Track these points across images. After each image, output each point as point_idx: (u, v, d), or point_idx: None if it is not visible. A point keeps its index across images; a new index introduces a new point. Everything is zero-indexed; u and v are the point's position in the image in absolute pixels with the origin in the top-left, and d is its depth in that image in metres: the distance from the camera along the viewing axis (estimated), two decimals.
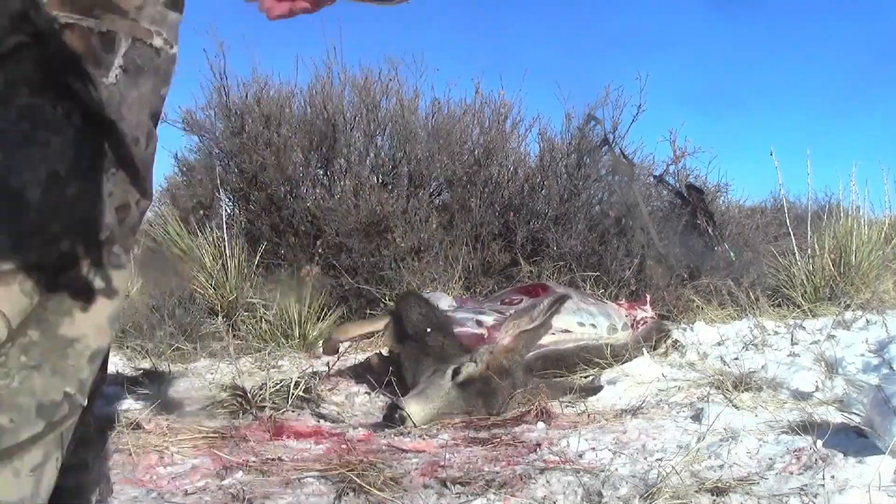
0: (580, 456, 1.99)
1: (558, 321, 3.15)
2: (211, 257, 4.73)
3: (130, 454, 2.13)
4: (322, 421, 2.64)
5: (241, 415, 2.62)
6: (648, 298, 4.15)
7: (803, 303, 4.65)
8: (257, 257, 4.91)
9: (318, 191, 5.26)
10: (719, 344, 3.68)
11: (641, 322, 3.79)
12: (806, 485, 1.64)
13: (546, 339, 3.13)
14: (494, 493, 1.71)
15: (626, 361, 3.24)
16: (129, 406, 2.83)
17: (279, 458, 2.09)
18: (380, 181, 5.35)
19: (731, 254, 5.06)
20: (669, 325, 3.95)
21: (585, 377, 3.17)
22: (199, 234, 4.90)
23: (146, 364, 3.86)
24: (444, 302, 3.57)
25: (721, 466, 1.83)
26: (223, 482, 1.88)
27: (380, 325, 3.56)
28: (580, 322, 3.38)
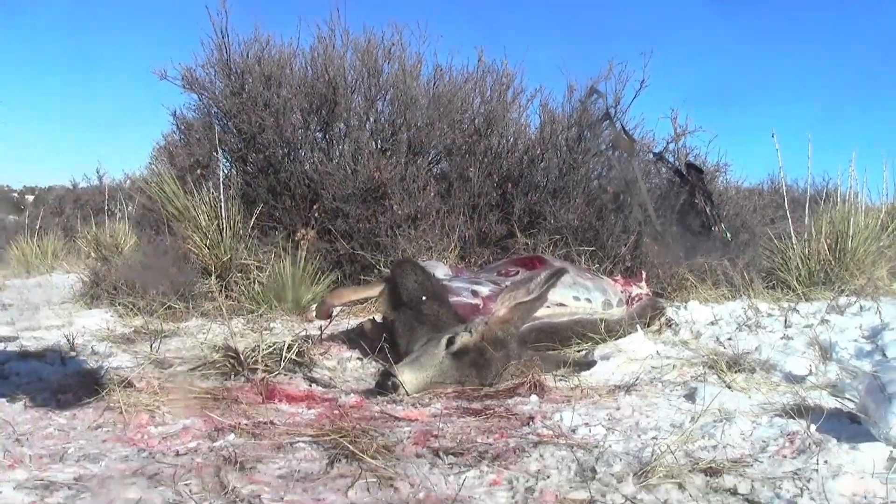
0: (573, 431, 1.99)
1: (554, 294, 3.12)
2: (206, 217, 4.70)
3: (121, 412, 2.13)
4: (314, 385, 2.63)
5: (232, 376, 2.61)
6: (644, 275, 4.13)
7: (798, 286, 4.65)
8: (253, 219, 4.88)
9: (316, 154, 5.22)
10: (713, 323, 3.68)
11: (636, 298, 3.78)
12: (799, 469, 1.64)
13: (541, 312, 3.10)
14: (487, 466, 1.71)
15: (619, 337, 3.22)
16: (120, 364, 2.82)
17: (271, 422, 2.08)
18: (379, 147, 5.32)
19: (728, 234, 5.05)
20: (664, 302, 3.89)
21: (579, 352, 3.16)
22: (196, 194, 4.87)
23: (138, 322, 3.85)
24: (440, 271, 3.57)
25: (715, 447, 1.83)
26: (214, 444, 1.87)
27: (375, 291, 3.55)
28: (576, 296, 3.37)
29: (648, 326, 3.60)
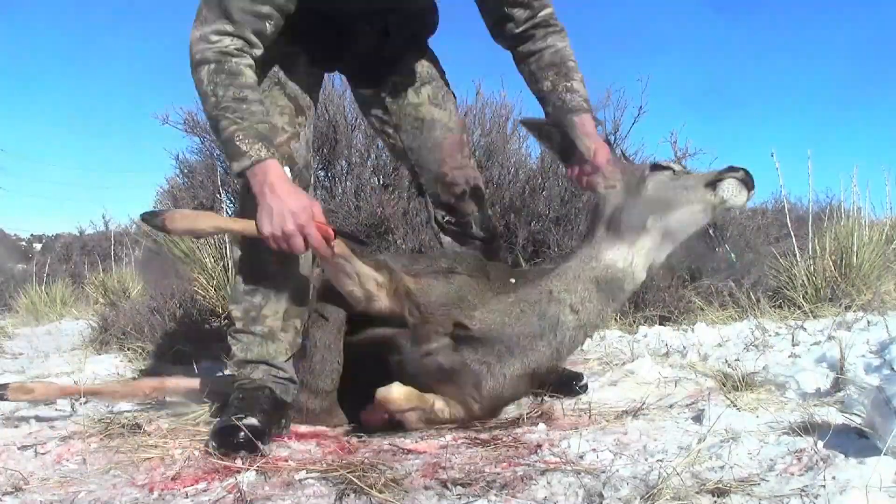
0: (581, 457, 1.99)
1: None
2: (212, 259, 4.74)
3: (131, 456, 2.14)
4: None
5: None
6: None
7: (804, 304, 4.65)
8: None
9: (318, 192, 5.27)
10: (720, 345, 3.68)
11: None
12: (807, 485, 1.64)
13: None
14: (496, 495, 1.71)
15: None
16: (130, 408, 2.84)
17: (282, 459, 2.09)
18: (381, 182, 5.36)
19: (732, 255, 5.06)
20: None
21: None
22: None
23: (146, 365, 3.87)
24: None
25: (722, 467, 1.83)
26: (224, 483, 1.88)
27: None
28: None
29: None
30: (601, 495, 1.67)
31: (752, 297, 4.67)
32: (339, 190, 5.33)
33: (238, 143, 2.14)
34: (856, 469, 1.68)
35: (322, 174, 5.50)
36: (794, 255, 5.05)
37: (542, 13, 2.63)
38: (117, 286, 6.09)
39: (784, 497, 1.58)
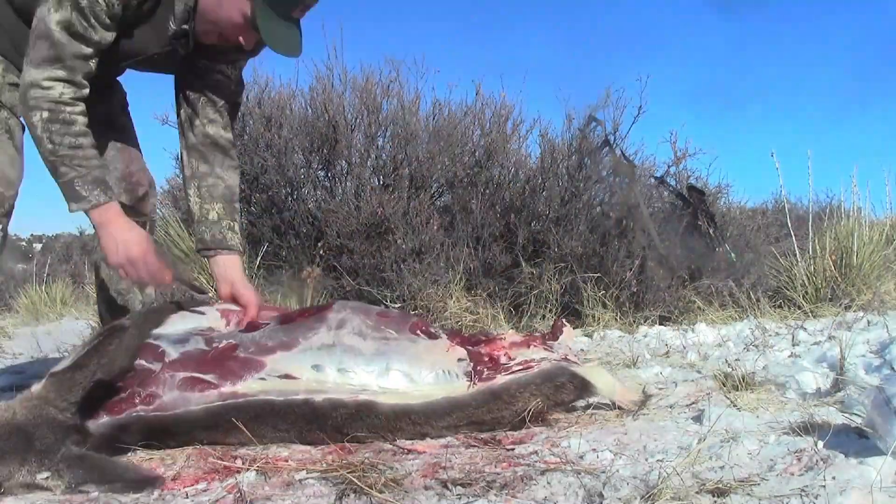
0: (581, 457, 1.99)
1: (276, 362, 2.24)
2: None
3: (130, 457, 2.15)
4: None
5: None
6: (567, 328, 2.75)
7: (804, 304, 4.66)
8: (259, 259, 4.93)
9: (319, 193, 5.27)
10: (720, 345, 3.68)
11: (523, 365, 2.36)
12: (807, 486, 1.64)
13: (244, 387, 2.18)
14: (496, 495, 1.71)
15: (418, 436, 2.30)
16: None
17: (282, 459, 2.09)
18: (381, 183, 5.36)
19: (732, 255, 5.06)
20: (578, 369, 2.44)
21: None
22: None
23: None
24: (181, 325, 2.46)
25: (722, 467, 1.83)
26: (224, 483, 1.88)
27: None
28: (316, 365, 2.23)
29: (546, 412, 2.39)
30: (601, 495, 1.67)
31: (752, 297, 4.67)
32: (339, 190, 5.32)
33: (77, 188, 2.29)
34: (856, 469, 1.68)
35: (322, 174, 5.49)
36: (794, 255, 5.05)
37: (228, 136, 2.82)
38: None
39: (784, 497, 1.58)
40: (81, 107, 2.34)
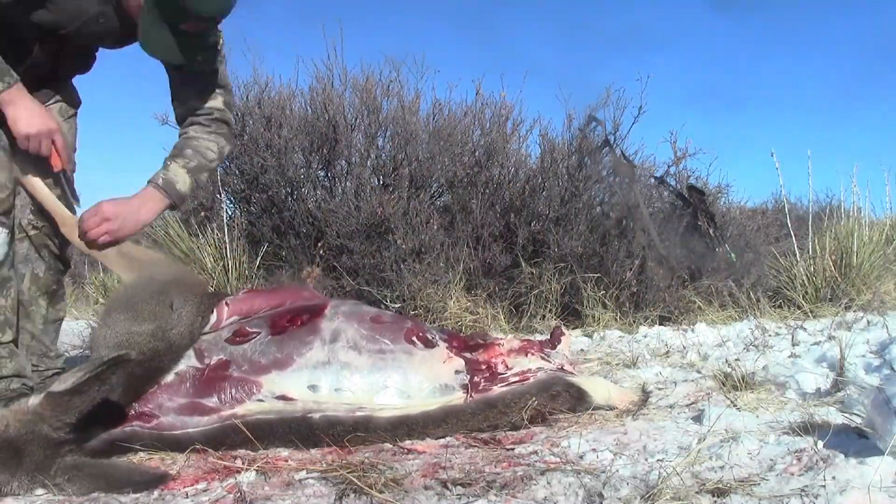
0: (581, 457, 1.99)
1: (272, 382, 2.23)
2: (212, 259, 4.75)
3: (131, 458, 2.15)
4: None
5: None
6: (565, 336, 2.77)
7: (804, 304, 4.66)
8: (258, 259, 4.92)
9: (319, 192, 5.27)
10: (720, 345, 3.68)
11: (520, 377, 2.39)
12: (807, 486, 1.64)
13: (242, 409, 2.19)
14: (495, 495, 1.71)
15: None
16: None
17: (282, 459, 2.09)
18: (381, 183, 5.36)
19: (732, 255, 5.06)
20: (574, 379, 2.50)
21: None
22: (201, 236, 4.92)
23: None
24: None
25: (722, 467, 1.83)
26: (224, 483, 1.88)
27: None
28: (312, 385, 2.22)
29: (543, 419, 2.38)
30: (601, 495, 1.67)
31: (752, 297, 4.68)
32: (339, 190, 5.32)
33: None
34: (856, 469, 1.68)
35: (322, 174, 5.49)
36: (794, 255, 5.06)
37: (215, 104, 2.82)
38: (117, 286, 6.08)
39: (784, 497, 1.58)
40: None
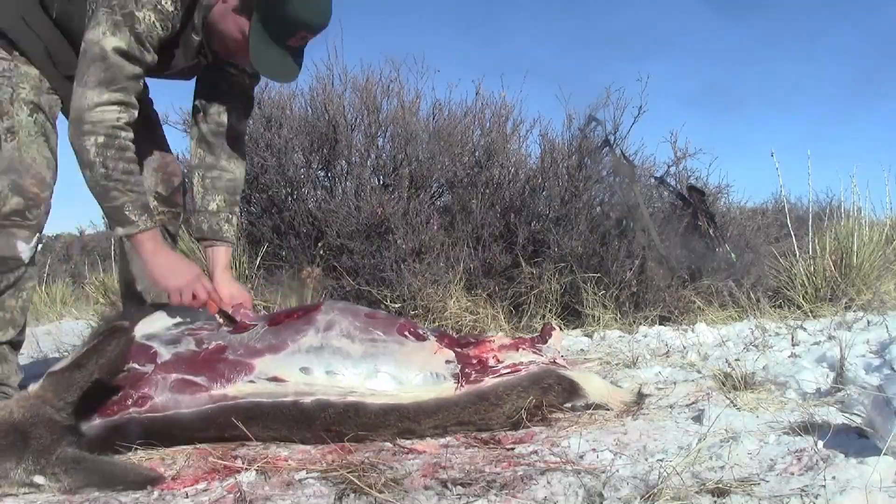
0: (581, 457, 1.99)
1: (265, 364, 2.24)
2: None
3: (130, 455, 2.15)
4: None
5: None
6: (556, 332, 2.75)
7: (804, 304, 4.66)
8: (258, 259, 4.92)
9: (319, 192, 5.27)
10: (720, 345, 3.68)
11: (511, 368, 2.37)
12: (807, 485, 1.64)
13: (234, 390, 2.20)
14: (495, 495, 1.71)
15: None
16: None
17: (282, 459, 2.09)
18: (381, 183, 5.36)
19: (732, 255, 5.06)
20: (566, 372, 2.47)
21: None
22: None
23: None
24: (161, 323, 2.51)
25: (722, 467, 1.83)
26: (224, 483, 1.88)
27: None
28: (304, 367, 2.23)
29: (533, 417, 2.36)
30: (601, 495, 1.67)
31: (752, 297, 4.67)
32: (339, 190, 5.32)
33: (127, 213, 2.37)
34: (856, 469, 1.68)
35: (322, 174, 5.49)
36: (794, 255, 5.06)
37: (240, 128, 2.92)
38: (117, 286, 6.07)
39: (784, 497, 1.58)
40: (132, 133, 2.39)
